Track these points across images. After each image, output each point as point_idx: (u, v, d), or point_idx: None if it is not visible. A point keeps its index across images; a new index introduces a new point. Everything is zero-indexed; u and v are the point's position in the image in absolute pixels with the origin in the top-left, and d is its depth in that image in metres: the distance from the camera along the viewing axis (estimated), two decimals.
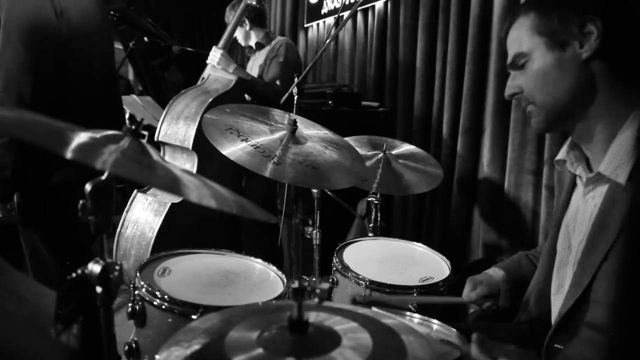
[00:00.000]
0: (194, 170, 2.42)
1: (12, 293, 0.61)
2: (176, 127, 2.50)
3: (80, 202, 0.83)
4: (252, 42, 3.37)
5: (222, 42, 3.01)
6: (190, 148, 2.44)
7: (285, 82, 3.02)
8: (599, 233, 1.07)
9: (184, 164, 2.49)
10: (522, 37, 1.13)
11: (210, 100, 2.54)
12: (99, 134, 0.88)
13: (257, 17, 3.29)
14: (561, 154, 1.22)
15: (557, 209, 1.32)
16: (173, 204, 2.36)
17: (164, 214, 2.36)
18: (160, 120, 2.58)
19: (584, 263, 1.11)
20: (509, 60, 1.17)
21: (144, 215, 2.38)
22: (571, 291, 1.13)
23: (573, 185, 1.25)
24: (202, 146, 2.43)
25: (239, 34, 3.32)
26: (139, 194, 2.44)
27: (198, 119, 2.45)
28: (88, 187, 0.82)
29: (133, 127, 0.89)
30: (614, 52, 1.05)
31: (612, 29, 1.03)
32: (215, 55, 2.95)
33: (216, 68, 2.91)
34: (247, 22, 3.26)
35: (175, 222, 2.38)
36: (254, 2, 3.02)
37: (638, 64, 1.08)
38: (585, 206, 1.16)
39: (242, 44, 3.43)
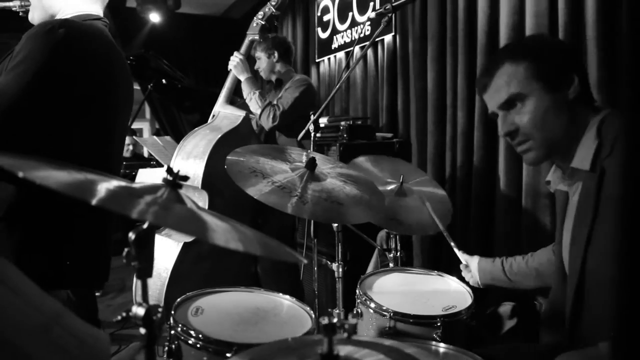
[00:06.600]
0: (206, 207, 2.48)
1: (73, 337, 0.67)
2: (186, 166, 2.56)
3: (125, 249, 0.89)
4: (274, 77, 3.39)
5: (243, 49, 3.09)
6: (200, 186, 2.48)
7: (290, 111, 3.00)
8: (580, 221, 1.23)
9: (196, 202, 2.54)
10: (514, 80, 1.31)
11: (217, 137, 2.59)
12: (135, 185, 0.95)
13: (285, 53, 3.36)
14: (548, 176, 1.44)
15: (558, 228, 1.46)
16: (185, 243, 2.39)
17: (177, 254, 2.39)
18: (172, 160, 2.66)
19: (572, 251, 1.26)
20: (501, 100, 1.34)
21: (158, 255, 2.43)
22: (570, 283, 1.25)
23: (567, 201, 1.40)
24: (214, 184, 2.48)
25: (263, 65, 3.34)
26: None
27: (206, 157, 2.50)
28: (132, 235, 0.89)
29: (170, 178, 0.96)
30: (583, 91, 1.31)
31: (582, 77, 1.32)
32: (234, 59, 3.01)
33: (225, 105, 2.96)
34: (276, 54, 3.31)
35: (189, 260, 2.41)
36: (257, 37, 3.10)
37: (590, 95, 1.37)
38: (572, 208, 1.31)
39: (264, 76, 3.41)
